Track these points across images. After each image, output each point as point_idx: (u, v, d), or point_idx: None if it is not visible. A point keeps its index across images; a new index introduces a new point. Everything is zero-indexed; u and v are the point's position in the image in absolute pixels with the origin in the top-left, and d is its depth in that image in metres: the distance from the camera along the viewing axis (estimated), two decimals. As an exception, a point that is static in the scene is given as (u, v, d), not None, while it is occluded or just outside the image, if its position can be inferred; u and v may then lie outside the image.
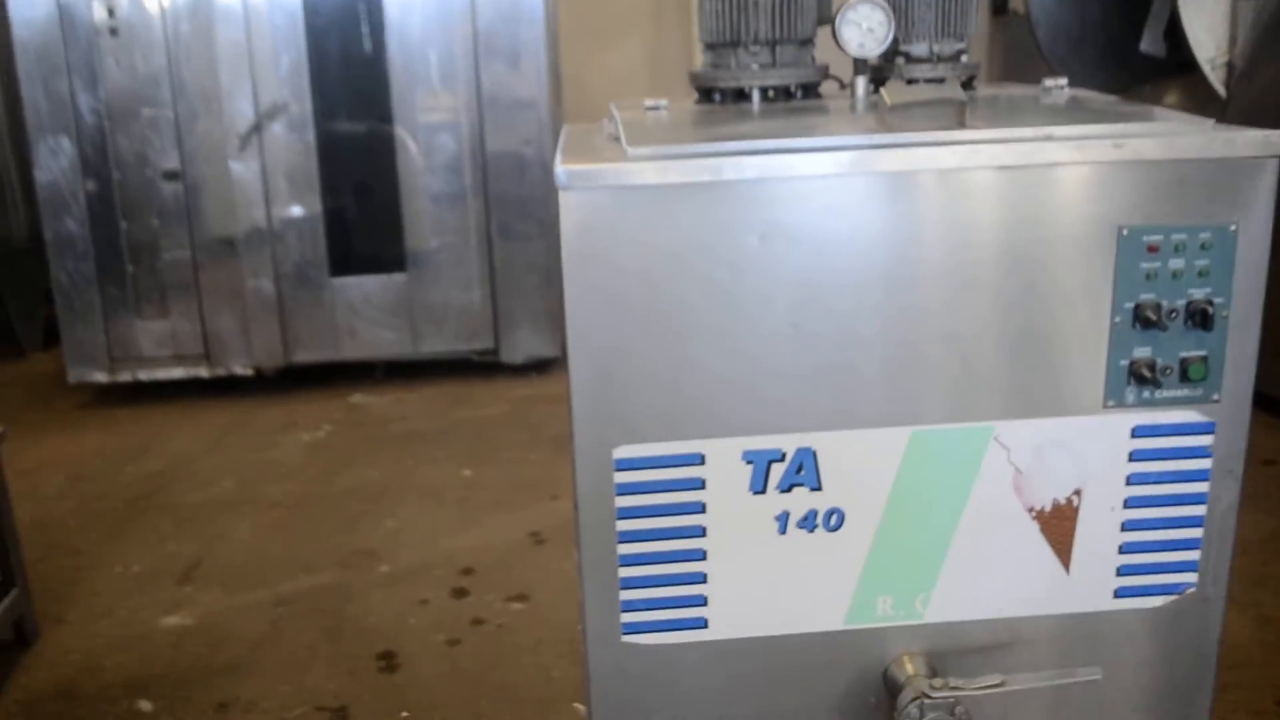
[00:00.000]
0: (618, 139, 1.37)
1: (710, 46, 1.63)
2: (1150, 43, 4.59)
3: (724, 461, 1.31)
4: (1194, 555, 1.41)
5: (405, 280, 4.75)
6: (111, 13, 4.41)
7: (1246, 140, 1.26)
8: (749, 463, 1.31)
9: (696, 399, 1.29)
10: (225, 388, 4.77)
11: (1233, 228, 1.28)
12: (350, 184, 4.75)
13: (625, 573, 1.34)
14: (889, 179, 1.25)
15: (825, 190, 1.25)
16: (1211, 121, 1.30)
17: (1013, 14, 5.64)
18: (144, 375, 4.72)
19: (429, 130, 4.64)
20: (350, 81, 4.64)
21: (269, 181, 4.62)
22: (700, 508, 1.32)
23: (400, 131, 4.63)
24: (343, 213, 4.74)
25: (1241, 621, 2.74)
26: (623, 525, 1.32)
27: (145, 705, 2.55)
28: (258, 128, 4.54)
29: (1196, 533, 1.40)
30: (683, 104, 1.69)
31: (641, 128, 1.43)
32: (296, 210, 4.66)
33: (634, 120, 1.50)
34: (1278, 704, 2.42)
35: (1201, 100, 4.35)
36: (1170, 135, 1.27)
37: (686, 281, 1.26)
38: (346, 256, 4.75)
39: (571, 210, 1.23)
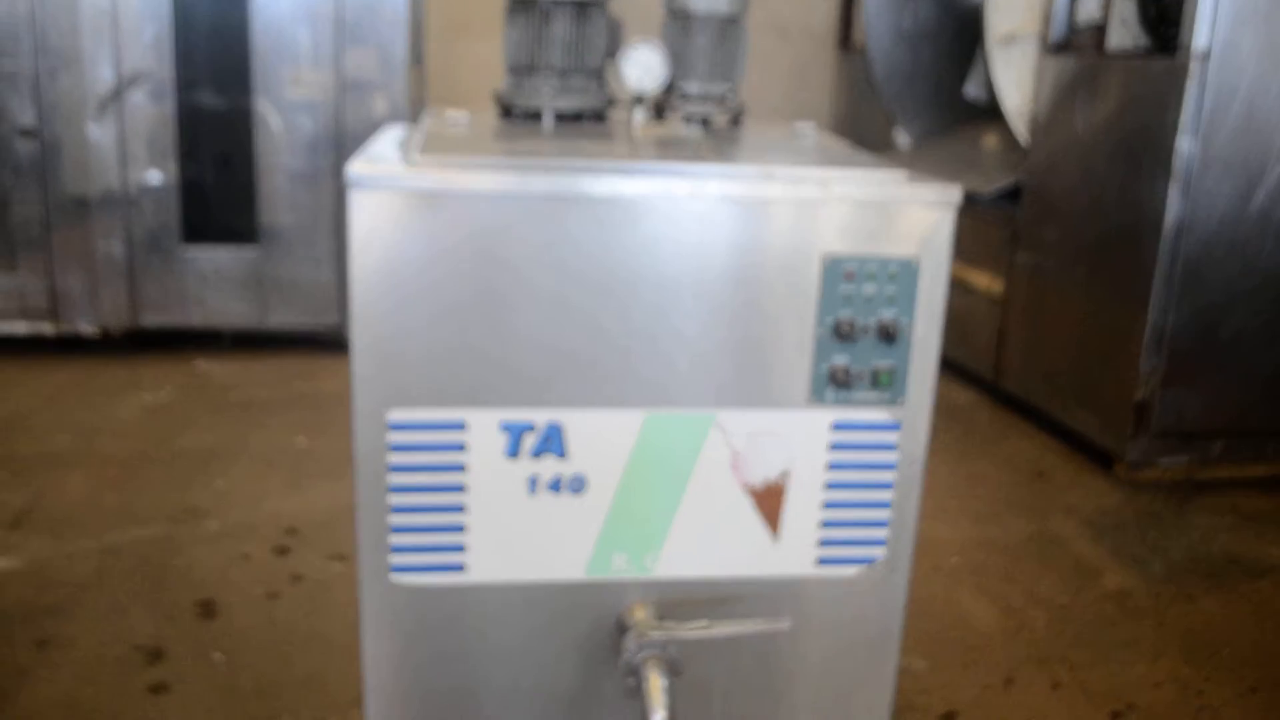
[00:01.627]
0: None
1: (512, 70, 1.85)
2: (973, 88, 4.95)
3: (483, 429, 1.50)
4: (883, 533, 1.64)
5: (257, 253, 4.84)
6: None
7: (928, 190, 1.50)
8: (505, 431, 1.50)
9: (461, 373, 1.47)
10: (70, 347, 4.80)
11: (916, 261, 1.52)
12: (208, 155, 4.81)
13: (395, 520, 1.51)
14: (633, 201, 1.45)
15: (578, 206, 1.44)
16: (905, 173, 1.55)
17: (856, 49, 5.94)
18: (-14, 328, 4.73)
19: (289, 108, 4.73)
20: (214, 55, 4.70)
21: (126, 147, 4.67)
22: (461, 467, 1.51)
23: (260, 107, 4.71)
24: (199, 183, 4.80)
25: (990, 610, 3.04)
26: (394, 478, 1.49)
27: (-36, 640, 2.64)
28: (118, 94, 4.60)
29: (885, 514, 1.63)
30: (484, 118, 1.89)
31: (439, 138, 1.63)
32: (152, 177, 4.72)
33: (435, 130, 1.71)
34: (1006, 681, 2.72)
35: (1014, 143, 4.72)
36: (868, 182, 1.50)
37: (455, 274, 1.44)
38: (200, 226, 4.81)
39: (357, 206, 1.41)
